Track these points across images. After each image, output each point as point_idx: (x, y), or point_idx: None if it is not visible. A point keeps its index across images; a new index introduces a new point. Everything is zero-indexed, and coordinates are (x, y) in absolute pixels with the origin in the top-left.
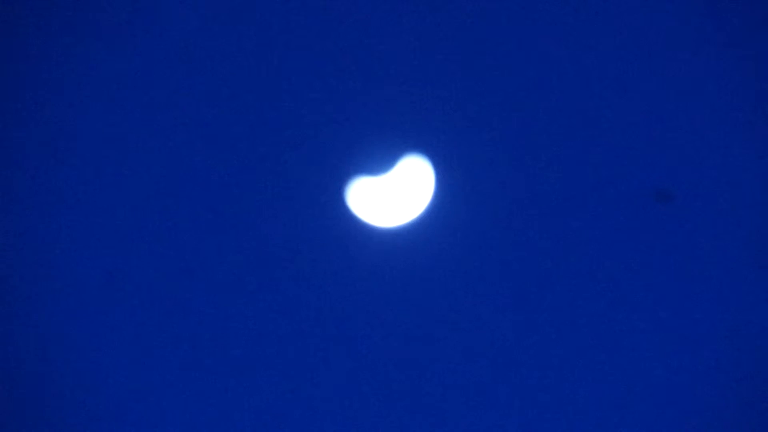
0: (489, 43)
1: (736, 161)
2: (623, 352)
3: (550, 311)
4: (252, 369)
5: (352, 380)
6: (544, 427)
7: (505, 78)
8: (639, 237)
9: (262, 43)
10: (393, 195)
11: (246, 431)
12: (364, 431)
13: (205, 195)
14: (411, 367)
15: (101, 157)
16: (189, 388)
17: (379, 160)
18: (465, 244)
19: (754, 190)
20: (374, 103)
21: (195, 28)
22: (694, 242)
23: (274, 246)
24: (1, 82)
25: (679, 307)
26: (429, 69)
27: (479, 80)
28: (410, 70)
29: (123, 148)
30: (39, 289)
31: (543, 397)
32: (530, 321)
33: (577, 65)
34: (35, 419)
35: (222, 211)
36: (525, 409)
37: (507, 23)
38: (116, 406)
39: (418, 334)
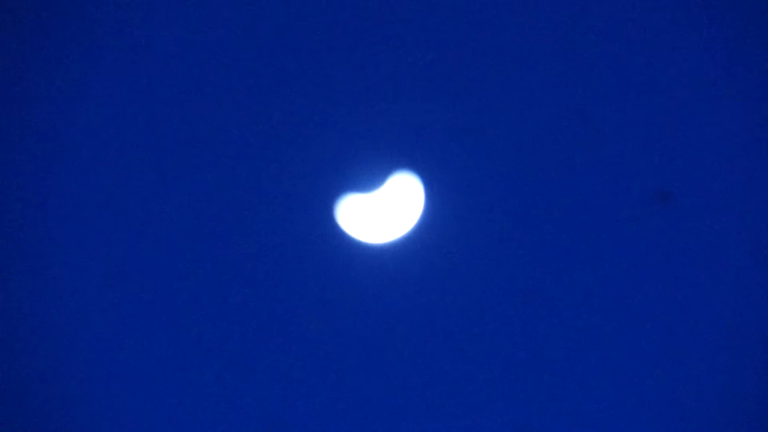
0: (479, 59)
1: (736, 161)
2: (623, 357)
3: (545, 322)
4: (242, 379)
5: (341, 391)
6: None
7: (496, 92)
8: (638, 240)
9: (256, 61)
10: (383, 212)
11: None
12: None
13: (196, 210)
14: (400, 380)
15: (98, 162)
16: (182, 389)
17: (368, 177)
18: (454, 261)
19: (754, 190)
20: (364, 121)
21: (190, 43)
22: (694, 242)
23: (264, 262)
24: (2, 83)
25: (679, 306)
26: (418, 87)
27: (469, 96)
28: (400, 88)
29: (120, 157)
30: (39, 289)
31: (540, 405)
32: (523, 333)
33: (572, 70)
34: (35, 419)
35: (213, 226)
36: (519, 418)
37: (498, 34)
38: (114, 405)
39: (407, 348)
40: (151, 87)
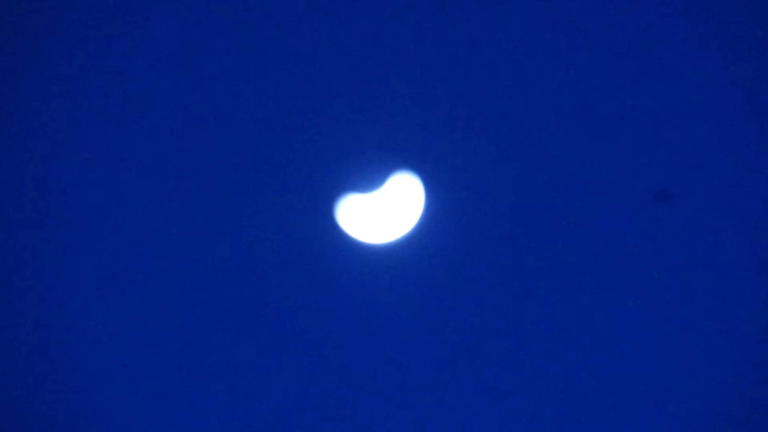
0: (479, 59)
1: (736, 161)
2: (624, 358)
3: (547, 323)
4: (240, 379)
5: (340, 392)
6: None
7: (496, 92)
8: (641, 241)
9: (255, 59)
10: (383, 211)
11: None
12: None
13: (196, 209)
14: (400, 381)
15: (98, 162)
16: (181, 389)
17: (369, 177)
18: (455, 261)
19: (754, 190)
20: (364, 121)
21: (189, 42)
22: (693, 243)
23: (263, 263)
24: (2, 83)
25: (678, 308)
26: (419, 87)
27: (469, 95)
28: (400, 86)
29: (120, 157)
30: (39, 288)
31: (541, 406)
32: (525, 334)
33: (573, 70)
34: (35, 419)
35: (212, 226)
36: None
37: (498, 34)
38: (114, 406)
39: (407, 350)
40: (150, 86)
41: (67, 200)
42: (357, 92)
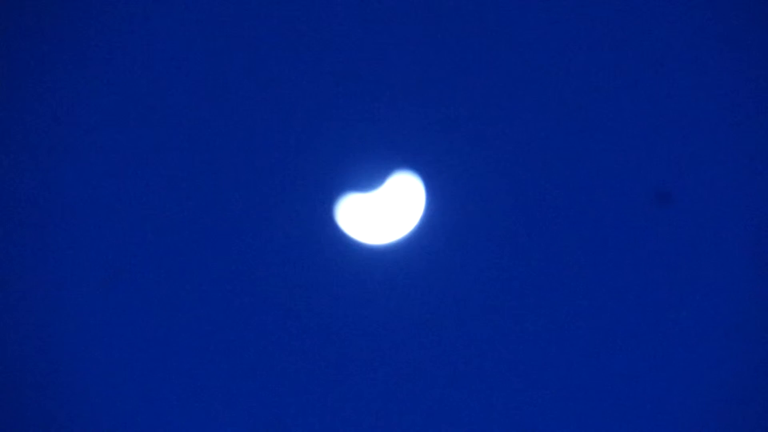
0: (479, 59)
1: (737, 161)
2: (624, 359)
3: (546, 326)
4: (240, 380)
5: (340, 393)
6: None
7: (496, 92)
8: (642, 242)
9: (255, 60)
10: (383, 212)
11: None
12: None
13: (197, 210)
14: (400, 383)
15: (98, 162)
16: (180, 389)
17: (369, 177)
18: (456, 261)
19: (754, 190)
20: (364, 121)
21: (190, 42)
22: (693, 243)
23: (264, 262)
24: (2, 83)
25: (678, 307)
26: (418, 87)
27: (469, 95)
28: (400, 88)
29: (120, 156)
30: (39, 289)
31: (541, 408)
32: (525, 335)
33: (573, 70)
34: (35, 419)
35: (213, 226)
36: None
37: (498, 34)
38: (114, 406)
39: (407, 350)
40: (151, 86)
41: (67, 200)
42: (357, 92)
